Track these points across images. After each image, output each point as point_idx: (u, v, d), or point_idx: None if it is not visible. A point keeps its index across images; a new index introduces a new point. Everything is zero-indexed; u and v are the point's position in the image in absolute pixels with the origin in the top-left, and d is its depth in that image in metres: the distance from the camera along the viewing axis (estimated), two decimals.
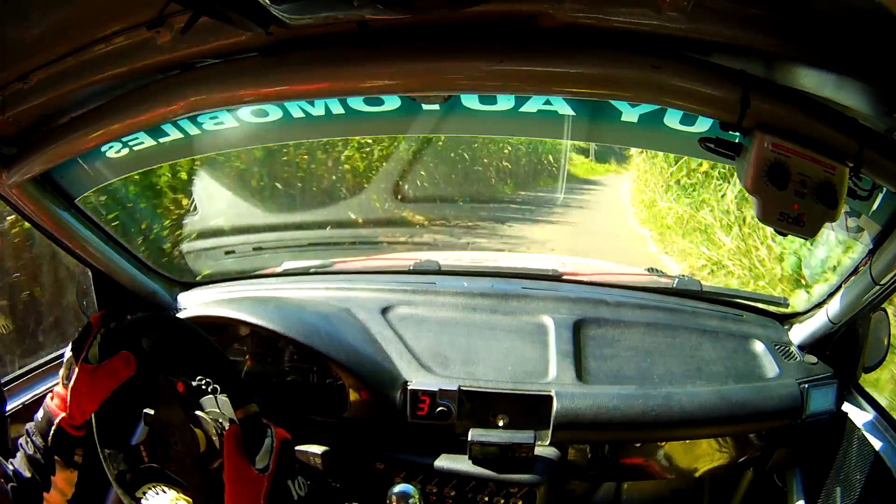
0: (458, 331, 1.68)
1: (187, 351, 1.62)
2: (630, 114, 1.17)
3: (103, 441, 1.26)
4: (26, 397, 1.60)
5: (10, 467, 1.14)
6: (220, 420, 1.16)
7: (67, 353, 1.20)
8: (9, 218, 3.07)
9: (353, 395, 1.53)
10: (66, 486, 1.17)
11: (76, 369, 1.16)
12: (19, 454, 1.16)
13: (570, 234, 8.09)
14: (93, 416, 1.22)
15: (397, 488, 1.36)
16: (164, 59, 1.00)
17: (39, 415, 1.18)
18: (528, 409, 1.48)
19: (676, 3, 0.77)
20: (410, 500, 1.33)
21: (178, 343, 1.61)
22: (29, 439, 1.17)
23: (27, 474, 1.14)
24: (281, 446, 1.10)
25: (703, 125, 1.15)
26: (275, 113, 1.30)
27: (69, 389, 1.15)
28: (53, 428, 1.15)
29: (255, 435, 1.12)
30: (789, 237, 1.10)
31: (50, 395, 1.19)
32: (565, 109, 1.20)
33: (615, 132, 1.24)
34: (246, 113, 1.31)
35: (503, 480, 1.40)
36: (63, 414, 1.15)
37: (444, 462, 1.44)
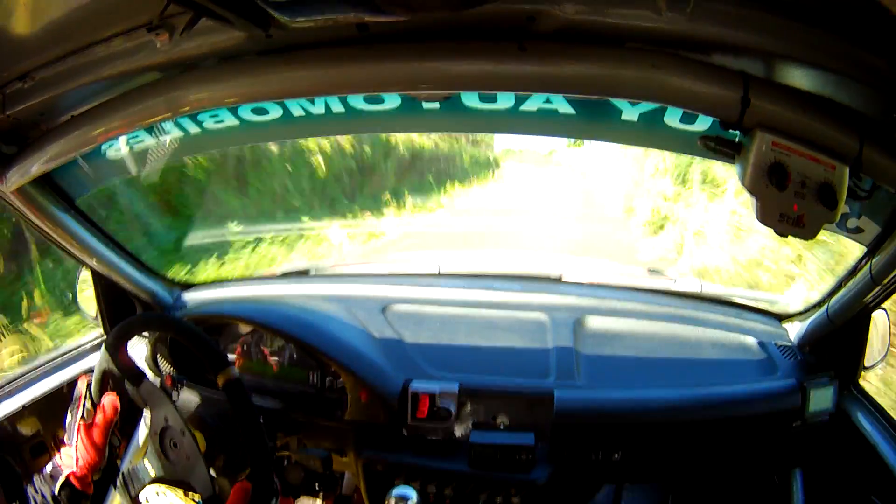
0: (459, 331, 1.68)
1: (186, 351, 1.63)
2: (630, 113, 1.17)
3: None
4: (25, 399, 1.60)
5: None
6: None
7: (69, 417, 1.31)
8: None
9: (352, 396, 1.53)
10: None
11: (77, 429, 1.27)
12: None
13: None
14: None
15: (397, 490, 1.36)
16: (165, 60, 1.00)
17: (48, 468, 1.29)
18: (529, 409, 1.48)
19: (676, 4, 0.77)
20: (410, 503, 1.33)
21: (176, 343, 1.62)
22: (38, 490, 1.27)
23: None
24: None
25: (703, 124, 1.15)
26: (275, 111, 1.30)
27: (74, 446, 1.26)
28: (61, 480, 1.23)
29: (264, 488, 1.15)
30: None
31: (57, 454, 1.30)
32: (565, 108, 1.20)
33: (615, 131, 1.23)
34: (246, 111, 1.31)
35: (503, 481, 1.40)
36: (72, 469, 1.24)
37: (444, 463, 1.44)
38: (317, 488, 1.71)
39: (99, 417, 1.25)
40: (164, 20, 0.88)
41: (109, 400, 1.26)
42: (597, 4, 0.81)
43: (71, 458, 1.24)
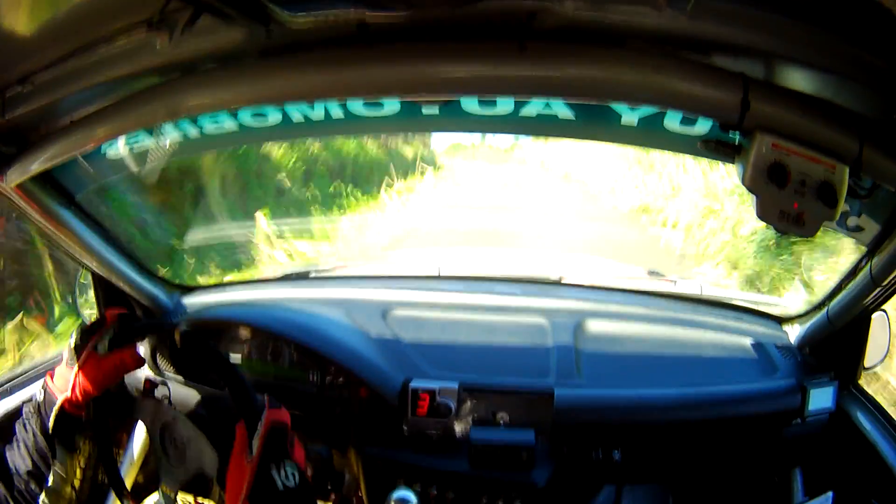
0: (459, 333, 1.68)
1: (190, 357, 1.62)
2: (630, 116, 1.17)
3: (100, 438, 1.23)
4: (25, 397, 1.60)
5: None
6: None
7: (73, 339, 1.19)
8: None
9: (352, 394, 1.53)
10: (70, 472, 1.14)
11: (85, 354, 1.16)
12: (17, 446, 1.14)
13: None
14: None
15: (397, 493, 1.35)
16: (164, 62, 1.00)
17: (39, 397, 1.16)
18: (529, 409, 1.48)
19: (676, 3, 0.77)
20: None
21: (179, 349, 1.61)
22: (27, 427, 1.14)
23: (28, 466, 1.11)
24: (269, 430, 1.00)
25: (702, 127, 1.15)
26: (274, 117, 1.30)
27: (76, 370, 1.15)
28: (56, 409, 1.13)
29: (252, 415, 1.06)
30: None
31: (49, 376, 1.17)
32: (565, 113, 1.20)
33: (615, 135, 1.24)
34: (246, 116, 1.31)
35: (503, 481, 1.40)
36: (67, 394, 1.14)
37: (444, 463, 1.44)
38: (329, 488, 1.70)
39: (117, 359, 1.17)
40: (164, 17, 0.88)
41: (133, 353, 1.19)
42: (598, 1, 0.81)
43: (66, 381, 1.14)
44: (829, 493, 1.29)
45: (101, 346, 1.18)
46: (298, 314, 1.71)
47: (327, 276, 2.17)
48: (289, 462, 0.98)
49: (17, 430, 1.15)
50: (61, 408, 1.13)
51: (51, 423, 1.12)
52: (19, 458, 1.12)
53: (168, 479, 1.23)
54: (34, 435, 1.13)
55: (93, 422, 1.18)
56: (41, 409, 1.15)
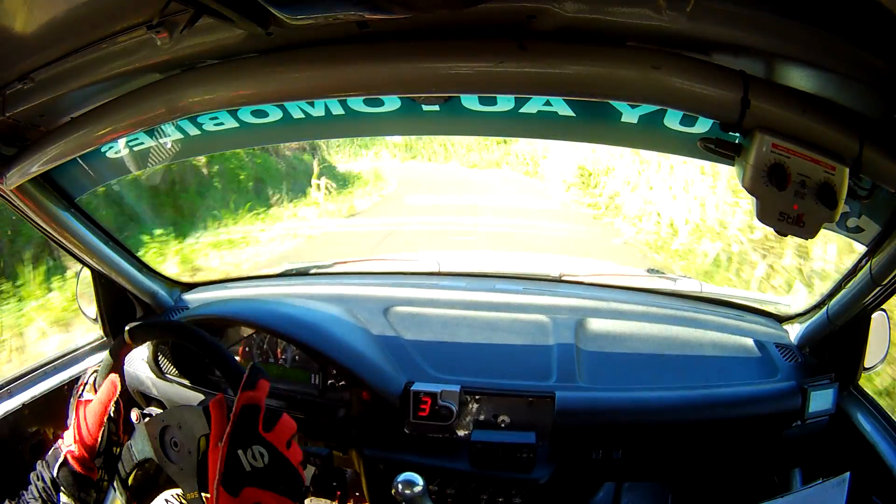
0: (460, 331, 1.68)
1: (191, 354, 1.62)
2: (630, 115, 1.17)
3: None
4: (26, 398, 1.60)
5: None
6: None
7: (72, 400, 1.25)
8: None
9: (354, 396, 1.53)
10: None
11: (76, 404, 1.22)
12: (30, 489, 1.18)
13: None
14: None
15: (402, 476, 1.33)
16: (165, 60, 1.00)
17: (49, 452, 1.21)
18: (530, 409, 1.48)
19: (677, 3, 0.77)
20: (416, 489, 1.31)
21: (180, 346, 1.61)
22: (38, 475, 1.19)
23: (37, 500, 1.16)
24: (240, 412, 1.00)
25: (702, 126, 1.15)
26: (274, 114, 1.30)
27: (73, 425, 1.20)
28: (60, 460, 1.17)
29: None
30: None
31: (60, 438, 1.23)
32: (565, 111, 1.20)
33: (615, 133, 1.23)
34: (246, 113, 1.31)
35: (504, 480, 1.40)
36: (70, 448, 1.18)
37: (445, 462, 1.44)
38: (335, 485, 1.69)
39: (99, 393, 1.20)
40: (164, 18, 0.88)
41: (110, 379, 1.21)
42: (597, 3, 0.81)
43: (69, 436, 1.20)
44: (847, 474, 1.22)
45: (86, 391, 1.23)
46: (300, 312, 1.70)
47: (328, 273, 2.17)
48: (258, 444, 0.99)
49: (31, 478, 1.20)
50: (65, 459, 1.18)
51: (55, 472, 1.17)
52: (31, 497, 1.17)
53: (184, 483, 1.22)
54: (44, 484, 1.17)
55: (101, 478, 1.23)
56: (50, 464, 1.19)
